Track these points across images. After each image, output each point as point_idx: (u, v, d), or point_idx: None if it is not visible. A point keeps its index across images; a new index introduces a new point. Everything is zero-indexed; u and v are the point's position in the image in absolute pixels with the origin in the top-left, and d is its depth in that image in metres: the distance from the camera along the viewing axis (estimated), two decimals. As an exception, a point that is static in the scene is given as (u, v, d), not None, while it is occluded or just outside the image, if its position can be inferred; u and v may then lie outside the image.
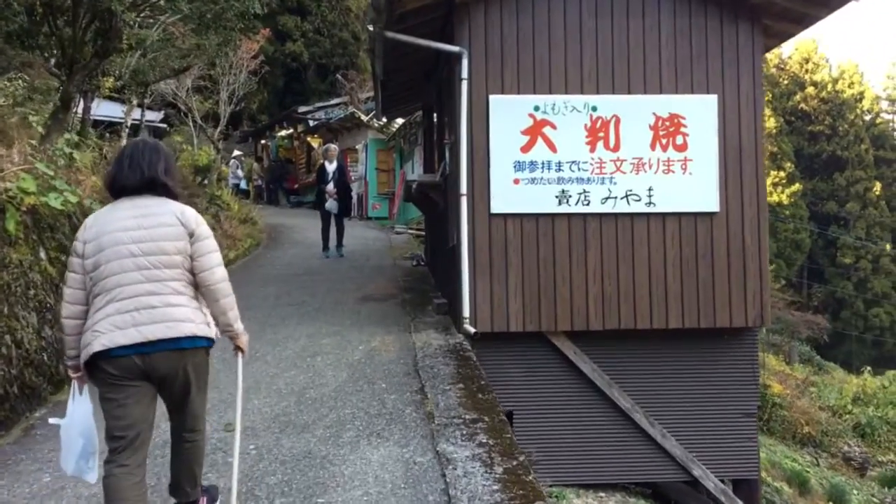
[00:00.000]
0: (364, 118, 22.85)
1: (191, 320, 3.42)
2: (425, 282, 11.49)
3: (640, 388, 8.23)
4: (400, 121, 21.05)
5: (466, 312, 7.86)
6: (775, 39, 8.77)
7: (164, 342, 3.34)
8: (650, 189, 8.09)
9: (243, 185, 27.45)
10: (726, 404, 8.33)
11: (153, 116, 26.46)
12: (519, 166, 8.05)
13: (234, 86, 23.79)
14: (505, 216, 8.04)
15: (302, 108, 26.52)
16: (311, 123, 26.12)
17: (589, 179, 8.08)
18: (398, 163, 21.90)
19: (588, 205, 8.07)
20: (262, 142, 31.65)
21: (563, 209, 8.05)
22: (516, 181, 8.04)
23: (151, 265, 3.38)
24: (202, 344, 3.50)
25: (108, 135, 17.39)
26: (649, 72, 8.20)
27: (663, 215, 8.13)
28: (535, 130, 8.07)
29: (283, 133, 29.33)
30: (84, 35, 10.62)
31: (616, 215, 8.11)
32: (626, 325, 8.06)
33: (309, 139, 27.68)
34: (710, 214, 8.15)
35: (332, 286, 11.15)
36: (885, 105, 55.59)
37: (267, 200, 27.51)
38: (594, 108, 8.12)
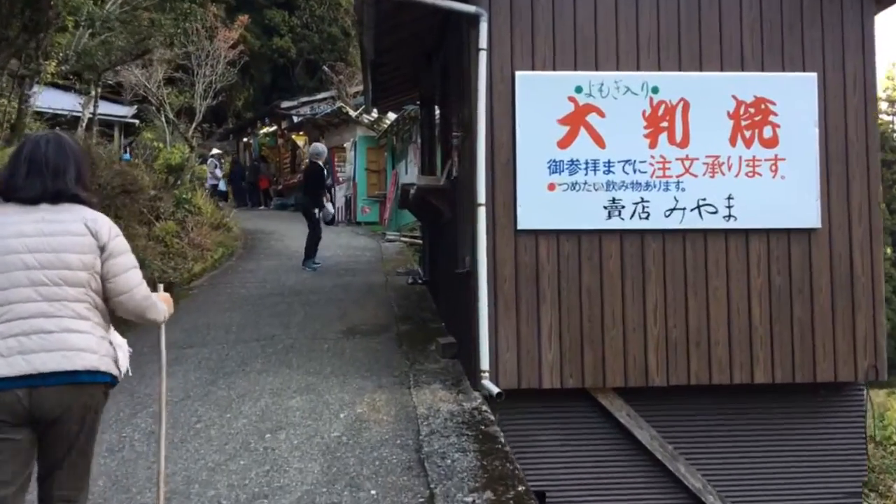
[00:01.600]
0: (353, 113, 20.67)
1: (93, 351, 2.85)
2: (424, 306, 9.36)
3: (714, 463, 6.15)
4: (393, 116, 18.90)
5: (485, 363, 5.76)
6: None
7: (59, 375, 2.76)
8: (729, 197, 6.01)
9: (222, 185, 25.15)
10: (824, 481, 6.26)
11: (125, 111, 24.31)
12: (555, 167, 5.96)
13: (210, 78, 21.65)
14: (536, 234, 5.95)
15: (285, 103, 24.31)
16: (296, 120, 23.91)
17: (648, 184, 6.00)
18: (390, 162, 19.74)
19: (647, 218, 5.99)
20: (245, 140, 29.42)
21: (614, 224, 5.97)
22: (551, 187, 5.95)
23: (50, 281, 2.80)
24: (103, 380, 2.89)
25: (58, 129, 15.25)
26: (727, 42, 6.12)
27: (746, 232, 6.05)
28: (577, 119, 5.98)
29: (266, 130, 27.12)
30: (11, 6, 8.44)
31: (684, 232, 6.03)
32: (697, 379, 5.98)
33: (294, 137, 25.48)
34: (809, 231, 6.07)
35: (311, 312, 9.01)
36: (884, 106, 53.93)
37: (249, 202, 25.28)
38: (655, 90, 6.04)
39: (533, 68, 6.01)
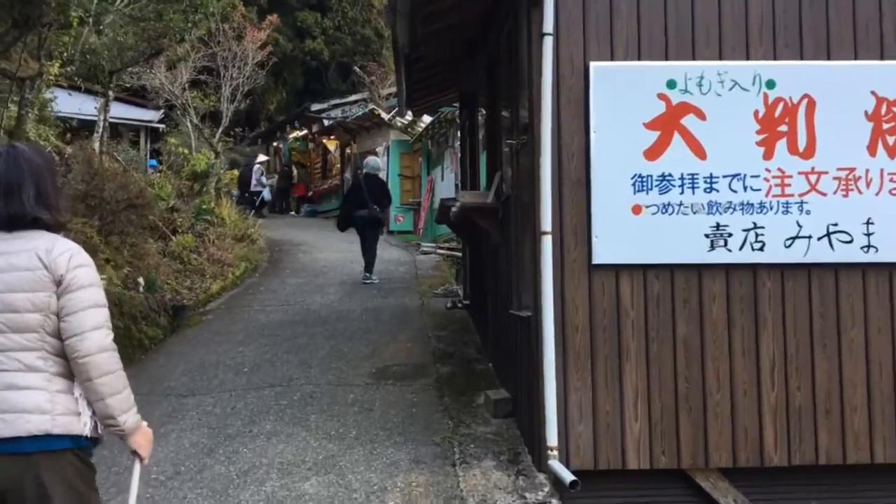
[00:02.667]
0: (385, 116, 19.41)
1: (43, 411, 2.33)
2: (467, 339, 8.04)
3: (848, 565, 4.75)
4: (428, 119, 17.62)
5: (552, 437, 4.42)
6: None
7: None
8: (868, 222, 4.61)
9: (266, 194, 23.87)
10: None
11: (151, 116, 23.33)
12: (641, 184, 4.61)
13: (238, 80, 20.56)
14: (617, 270, 4.61)
15: (315, 106, 23.13)
16: (327, 123, 22.74)
17: (762, 206, 4.62)
18: (425, 168, 18.42)
19: (761, 249, 4.61)
20: (275, 144, 28.36)
21: (719, 257, 4.61)
22: (636, 209, 4.60)
23: None
24: (63, 445, 2.34)
25: (68, 135, 14.21)
26: (863, 23, 4.72)
27: (891, 267, 4.65)
28: (670, 122, 4.63)
29: (297, 134, 25.99)
30: (-1, 0, 7.30)
31: (809, 267, 4.64)
32: (827, 457, 4.58)
33: (325, 141, 24.33)
34: (972, 266, 4.65)
35: (337, 346, 7.74)
36: None
37: (278, 209, 24.13)
38: (770, 84, 4.65)
39: (612, 58, 4.67)
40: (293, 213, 24.73)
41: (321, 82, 35.53)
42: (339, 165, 23.47)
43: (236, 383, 6.63)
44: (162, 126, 23.02)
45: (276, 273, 13.09)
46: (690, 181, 4.61)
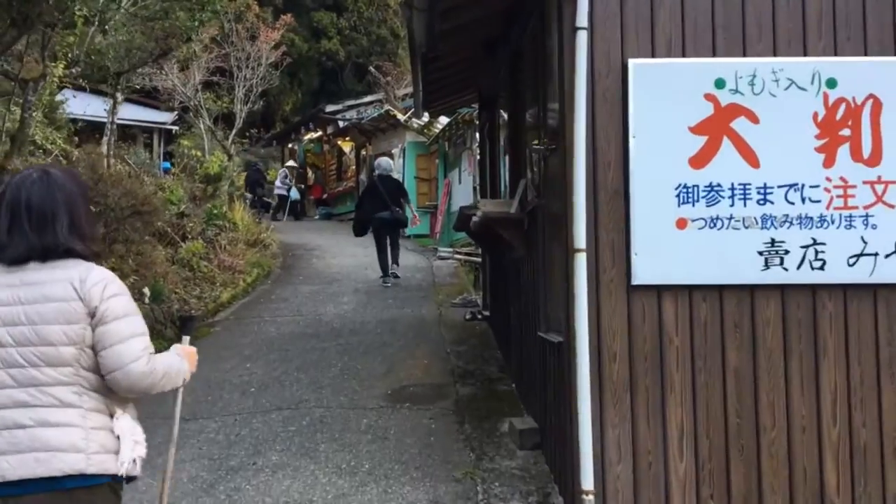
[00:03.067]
0: (401, 117, 18.97)
1: (78, 449, 2.24)
2: (488, 355, 7.56)
3: None
4: (444, 120, 17.16)
5: (587, 479, 3.93)
6: None
7: (34, 483, 2.20)
8: (943, 238, 4.11)
9: (294, 194, 23.56)
10: None
11: (164, 118, 23.03)
12: (687, 195, 4.11)
13: (252, 81, 20.20)
14: (660, 291, 4.11)
15: (330, 108, 22.71)
16: (342, 124, 22.32)
17: (823, 219, 4.11)
18: (442, 170, 17.96)
19: (822, 268, 4.09)
20: (290, 146, 27.99)
21: (774, 276, 4.10)
22: (681, 223, 4.11)
23: (26, 362, 2.26)
24: (97, 482, 2.29)
25: (76, 138, 13.86)
26: (935, 12, 4.21)
27: (968, 289, 4.13)
28: (719, 125, 4.13)
29: (311, 136, 25.60)
30: (-1, -2, 6.97)
31: (876, 288, 4.12)
32: (898, 503, 4.08)
33: (340, 143, 23.92)
34: None
35: (350, 363, 7.29)
36: None
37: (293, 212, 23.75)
38: (831, 84, 4.14)
39: (653, 54, 4.18)
40: (309, 216, 24.37)
41: (337, 83, 35.24)
42: (354, 167, 23.05)
43: (242, 405, 6.19)
44: (175, 128, 22.74)
45: (288, 280, 12.67)
46: (742, 192, 4.10)
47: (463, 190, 15.82)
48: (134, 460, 2.36)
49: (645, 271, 4.08)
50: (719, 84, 4.13)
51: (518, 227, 5.61)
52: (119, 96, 13.82)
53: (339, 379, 6.78)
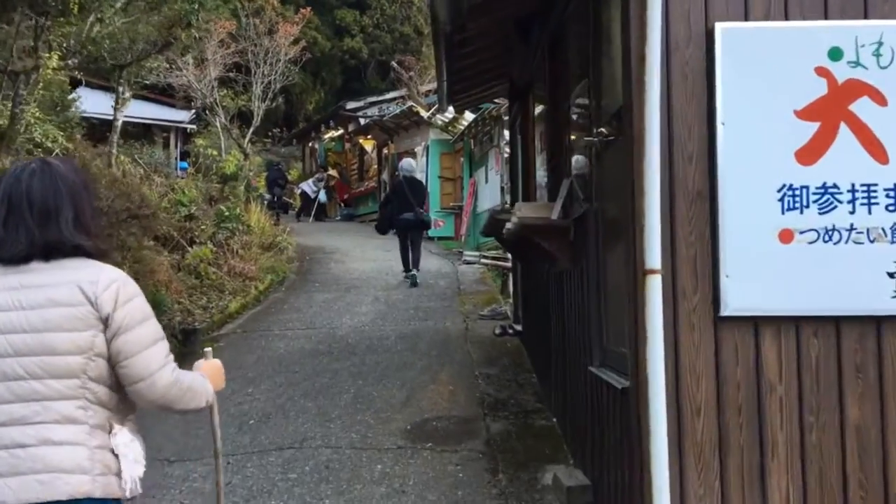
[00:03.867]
0: (424, 114, 18.04)
1: (84, 470, 2.05)
2: (522, 380, 6.61)
3: None
4: (470, 116, 16.23)
5: (664, 570, 2.99)
6: None
7: None
8: None
9: (322, 196, 22.75)
10: None
11: (181, 116, 22.34)
12: (793, 198, 3.14)
13: (270, 77, 19.42)
14: (757, 323, 3.15)
15: (351, 104, 21.86)
16: (363, 122, 21.45)
17: (973, 231, 3.14)
18: (467, 169, 17.02)
19: (972, 295, 3.12)
20: (311, 145, 27.18)
21: (909, 306, 3.13)
22: (786, 236, 3.14)
23: (28, 373, 2.06)
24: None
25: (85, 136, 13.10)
26: None
27: None
28: (835, 108, 3.15)
29: (332, 135, 24.76)
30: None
31: None
32: None
33: (361, 141, 23.06)
34: None
35: (364, 389, 6.38)
36: None
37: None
38: (982, 51, 3.17)
39: (747, 17, 3.21)
40: (330, 217, 23.55)
41: (360, 81, 34.63)
42: (375, 167, 22.17)
43: (237, 443, 5.29)
44: (192, 127, 22.03)
45: (303, 287, 11.81)
46: (865, 195, 3.13)
47: (489, 190, 14.89)
48: (135, 480, 2.16)
49: (738, 298, 3.12)
50: (834, 55, 3.16)
51: (562, 236, 4.66)
52: (126, 92, 13.04)
53: (351, 409, 5.87)
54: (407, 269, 11.63)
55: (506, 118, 14.43)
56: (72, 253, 2.14)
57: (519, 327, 8.23)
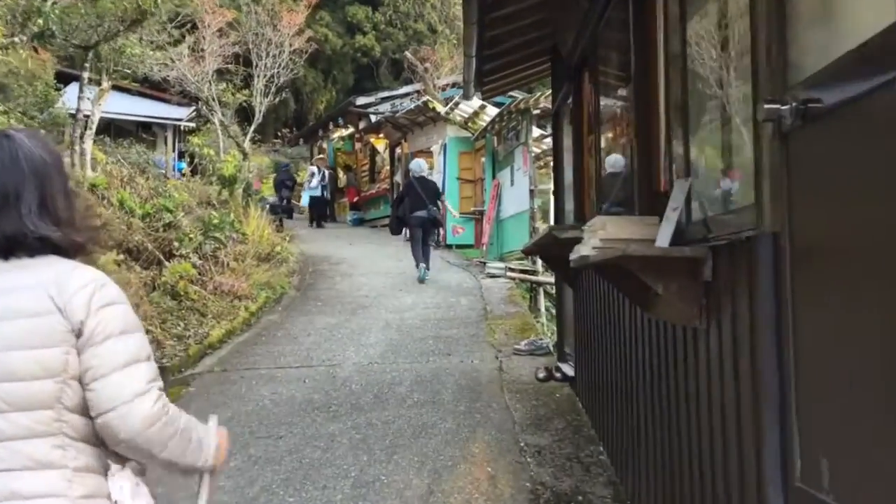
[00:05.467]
0: (441, 109, 16.24)
1: None
2: (584, 452, 4.78)
3: None
4: (493, 112, 14.43)
5: None
6: None
7: None
8: None
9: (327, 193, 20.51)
10: None
11: (179, 113, 20.65)
12: None
13: (273, 71, 17.71)
14: None
15: (361, 100, 20.07)
16: (374, 119, 19.67)
17: None
18: (489, 170, 15.18)
19: None
20: (319, 143, 25.45)
21: None
22: None
23: None
24: None
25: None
26: None
27: None
28: None
29: (342, 133, 23.00)
30: None
31: None
32: None
33: (373, 140, 21.29)
34: None
35: (369, 470, 4.58)
36: None
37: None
38: None
39: None
40: (339, 220, 21.77)
41: (372, 80, 33.23)
42: (388, 167, 20.38)
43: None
44: (191, 125, 20.36)
45: (303, 307, 10.04)
46: None
47: (515, 193, 13.07)
48: None
49: None
50: None
51: (689, 273, 2.83)
52: (104, 82, 11.32)
53: (349, 507, 4.07)
54: (420, 263, 11.58)
55: (535, 112, 12.63)
56: (37, 249, 1.69)
57: (568, 369, 6.42)
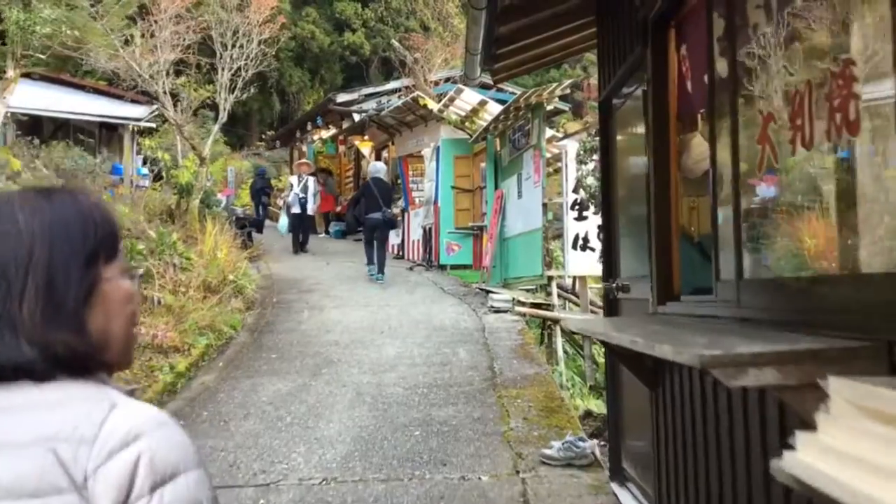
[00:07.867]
0: (434, 106, 13.71)
1: None
2: None
3: None
4: (496, 108, 11.94)
5: None
6: None
7: None
8: None
9: (311, 205, 15.93)
10: None
11: (138, 112, 18.04)
12: None
13: (240, 63, 15.15)
14: None
15: (343, 97, 17.50)
16: (357, 118, 17.13)
17: None
18: (491, 177, 12.61)
19: None
20: (300, 146, 22.92)
21: None
22: None
23: None
24: None
25: None
26: None
27: None
28: None
29: (323, 135, 20.44)
30: None
31: None
32: None
33: (358, 143, 18.76)
34: None
35: None
36: None
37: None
38: None
39: None
40: (317, 233, 19.18)
41: (362, 79, 31.34)
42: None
43: None
44: (151, 125, 17.80)
45: (251, 362, 7.51)
46: None
47: (524, 207, 10.58)
48: None
49: None
50: None
51: None
52: (9, 70, 8.80)
53: None
54: (370, 264, 11.67)
55: (549, 107, 10.16)
56: (43, 371, 0.96)
57: (630, 502, 3.95)
